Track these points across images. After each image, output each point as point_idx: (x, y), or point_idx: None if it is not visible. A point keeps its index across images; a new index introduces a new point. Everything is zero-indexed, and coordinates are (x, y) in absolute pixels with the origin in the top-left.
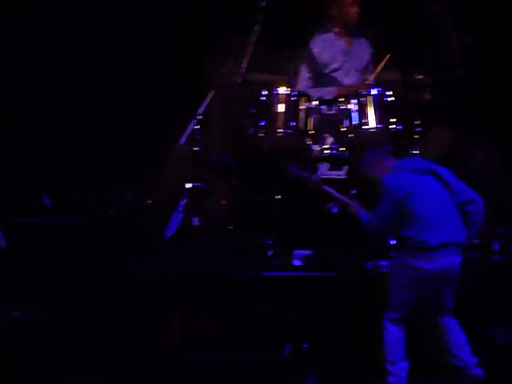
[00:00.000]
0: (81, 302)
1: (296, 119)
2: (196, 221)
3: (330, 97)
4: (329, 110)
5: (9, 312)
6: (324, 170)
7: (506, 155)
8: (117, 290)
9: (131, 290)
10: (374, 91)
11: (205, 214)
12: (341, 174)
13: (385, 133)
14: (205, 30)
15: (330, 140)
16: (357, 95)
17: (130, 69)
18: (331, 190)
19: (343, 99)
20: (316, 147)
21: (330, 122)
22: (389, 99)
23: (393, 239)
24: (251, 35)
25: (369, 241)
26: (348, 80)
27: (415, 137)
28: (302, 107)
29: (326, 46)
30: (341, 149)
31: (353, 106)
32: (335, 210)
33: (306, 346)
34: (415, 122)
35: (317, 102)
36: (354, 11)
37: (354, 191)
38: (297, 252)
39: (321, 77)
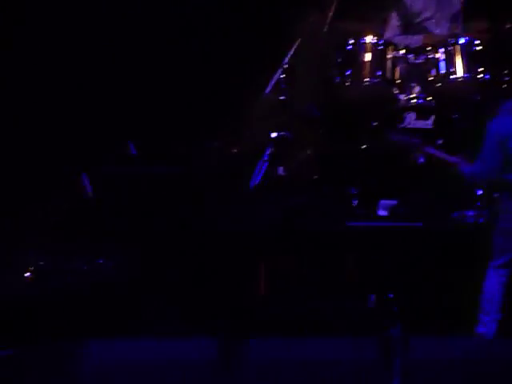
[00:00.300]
0: (168, 250)
1: (383, 68)
2: (281, 170)
3: (417, 45)
4: (416, 59)
5: (94, 260)
6: (411, 120)
7: None
8: (204, 239)
9: (218, 240)
10: (461, 40)
11: (290, 163)
12: (428, 123)
13: (472, 82)
14: None
15: (417, 89)
16: (445, 44)
17: (219, 18)
18: (434, 151)
19: (430, 48)
20: (403, 97)
21: (417, 72)
22: (477, 48)
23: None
24: None
25: (455, 191)
26: (439, 30)
27: (503, 86)
28: (388, 56)
29: None
30: (428, 98)
31: (440, 55)
32: (421, 160)
33: (391, 296)
34: (504, 72)
35: (404, 51)
36: None
37: (441, 141)
38: (382, 202)
39: (410, 26)
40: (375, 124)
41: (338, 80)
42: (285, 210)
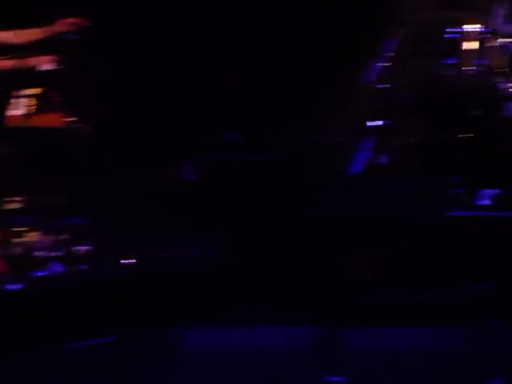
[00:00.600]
0: (270, 239)
1: (487, 57)
2: (382, 159)
3: None
4: None
5: (198, 248)
6: None
7: None
8: (305, 226)
9: (319, 227)
10: None
11: (391, 152)
12: None
13: None
14: None
15: None
16: None
17: (318, 4)
18: None
19: None
20: (506, 86)
21: None
22: None
23: None
24: None
25: None
26: None
27: None
28: (492, 45)
29: None
30: None
31: None
32: None
33: (493, 286)
34: None
35: (508, 40)
36: None
37: None
38: (484, 191)
39: None
40: (477, 113)
41: (440, 68)
42: (386, 198)
